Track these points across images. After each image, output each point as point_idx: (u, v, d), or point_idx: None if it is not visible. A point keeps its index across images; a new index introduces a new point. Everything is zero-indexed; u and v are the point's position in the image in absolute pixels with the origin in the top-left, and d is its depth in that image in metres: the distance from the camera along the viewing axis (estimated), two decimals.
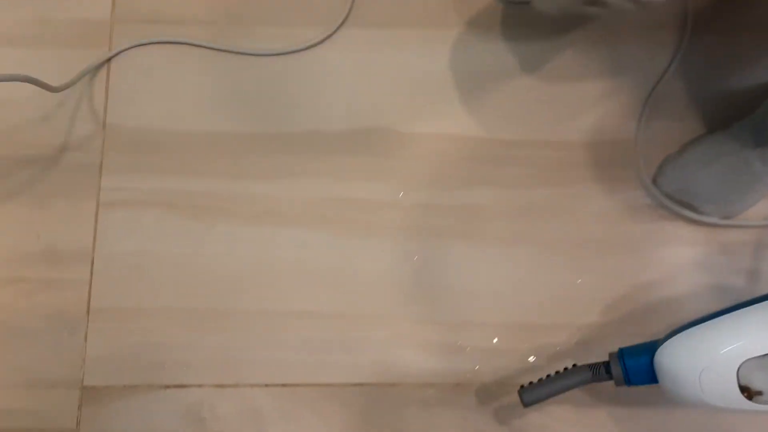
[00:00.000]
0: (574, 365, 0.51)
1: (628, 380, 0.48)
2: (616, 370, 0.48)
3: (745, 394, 0.44)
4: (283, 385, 0.58)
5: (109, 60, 0.63)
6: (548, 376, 0.51)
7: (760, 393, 0.44)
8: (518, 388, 0.52)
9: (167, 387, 0.58)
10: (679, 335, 0.47)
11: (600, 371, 0.50)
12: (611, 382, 0.50)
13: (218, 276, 0.59)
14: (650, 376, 0.47)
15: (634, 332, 0.57)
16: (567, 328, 0.59)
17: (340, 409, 0.57)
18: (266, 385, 0.58)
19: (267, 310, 0.59)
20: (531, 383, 0.51)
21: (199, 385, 0.58)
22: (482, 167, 0.62)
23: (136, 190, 0.61)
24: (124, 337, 0.58)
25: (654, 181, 0.61)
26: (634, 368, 0.48)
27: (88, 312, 0.59)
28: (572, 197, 0.61)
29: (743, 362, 0.44)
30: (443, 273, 0.59)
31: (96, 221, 0.60)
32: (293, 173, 0.61)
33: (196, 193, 0.61)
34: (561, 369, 0.52)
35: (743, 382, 0.44)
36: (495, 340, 0.58)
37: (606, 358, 0.51)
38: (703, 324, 0.47)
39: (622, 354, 0.49)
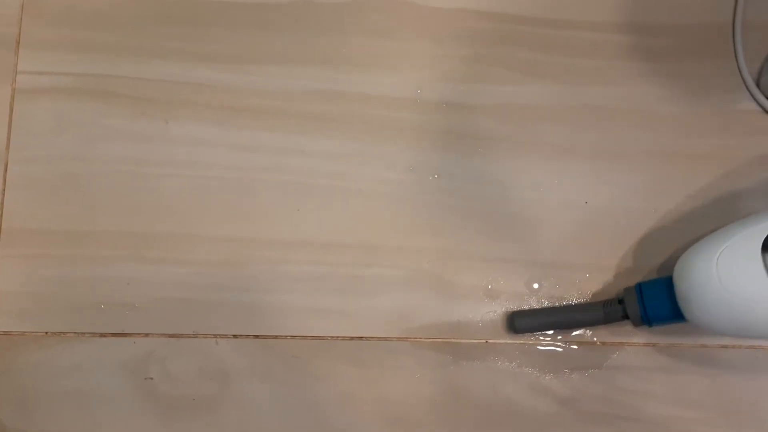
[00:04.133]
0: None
1: (647, 317, 0.46)
2: (632, 305, 0.47)
3: None
4: (257, 337, 0.51)
5: None
6: (553, 307, 0.50)
7: None
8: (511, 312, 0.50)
9: (103, 335, 0.52)
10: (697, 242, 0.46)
11: (613, 307, 0.48)
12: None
13: (174, 191, 0.53)
14: (672, 309, 0.45)
15: None
16: (636, 274, 0.51)
17: (334, 370, 0.51)
18: (235, 336, 0.51)
19: (238, 238, 0.52)
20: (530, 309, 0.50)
21: (146, 334, 0.52)
22: (528, 56, 0.54)
23: (65, 75, 0.54)
24: (46, 269, 0.52)
25: (758, 80, 0.53)
26: (652, 300, 0.46)
27: None
28: (645, 97, 0.54)
29: None
30: (474, 195, 0.52)
31: (11, 114, 0.54)
32: (276, 57, 0.54)
33: (144, 80, 0.54)
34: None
35: None
36: (535, 286, 0.51)
37: None
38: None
39: (640, 287, 0.47)
